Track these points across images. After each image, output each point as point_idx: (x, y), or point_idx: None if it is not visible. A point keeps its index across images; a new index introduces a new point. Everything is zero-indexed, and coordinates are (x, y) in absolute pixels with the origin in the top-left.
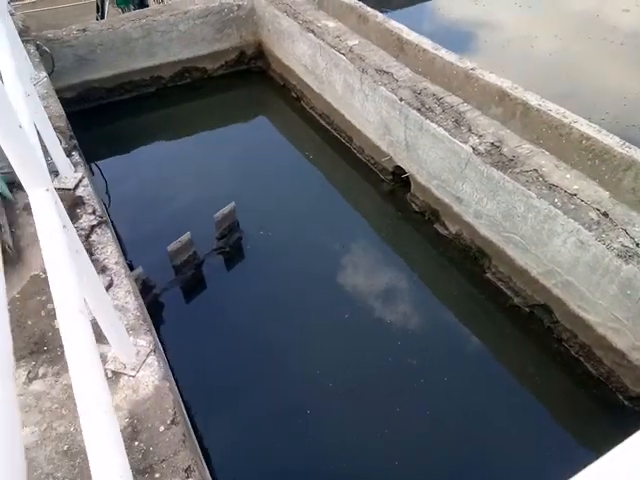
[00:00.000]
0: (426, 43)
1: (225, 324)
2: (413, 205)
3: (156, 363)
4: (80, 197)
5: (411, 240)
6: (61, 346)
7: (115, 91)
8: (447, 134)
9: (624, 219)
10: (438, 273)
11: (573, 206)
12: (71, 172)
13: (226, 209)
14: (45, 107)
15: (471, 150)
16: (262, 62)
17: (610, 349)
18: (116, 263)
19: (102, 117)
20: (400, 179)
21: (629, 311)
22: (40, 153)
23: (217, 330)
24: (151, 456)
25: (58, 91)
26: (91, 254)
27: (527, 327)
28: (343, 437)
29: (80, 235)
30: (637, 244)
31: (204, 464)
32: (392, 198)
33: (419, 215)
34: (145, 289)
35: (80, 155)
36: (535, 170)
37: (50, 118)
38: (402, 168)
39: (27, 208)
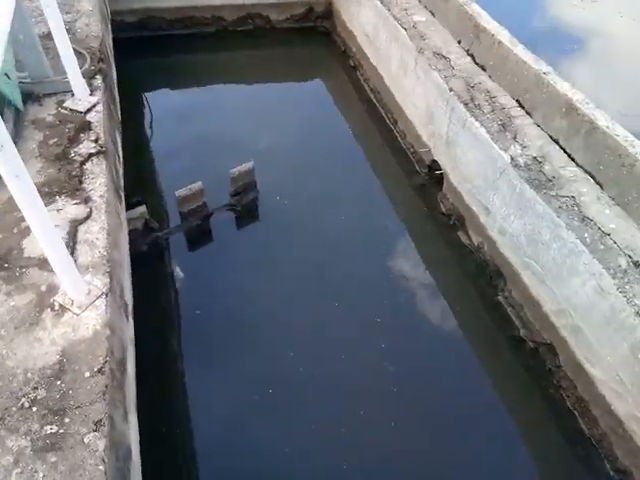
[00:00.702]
0: (504, 35)
1: (223, 279)
2: (442, 205)
3: (104, 307)
4: (88, 122)
5: (432, 241)
6: (22, 266)
7: (175, 24)
8: (488, 137)
9: None
10: (450, 283)
11: (603, 247)
12: (86, 95)
13: (243, 167)
14: (84, 25)
15: (509, 160)
16: (329, 23)
17: (608, 412)
18: (101, 196)
19: (158, 48)
20: (434, 175)
21: (636, 376)
22: None
23: (212, 283)
24: (68, 399)
25: (117, 13)
26: (80, 182)
27: (528, 363)
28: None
29: (75, 161)
30: None
31: (129, 420)
32: (423, 193)
33: (445, 217)
34: (146, 229)
35: (105, 80)
36: (572, 197)
37: (84, 38)
38: (438, 163)
39: (36, 122)
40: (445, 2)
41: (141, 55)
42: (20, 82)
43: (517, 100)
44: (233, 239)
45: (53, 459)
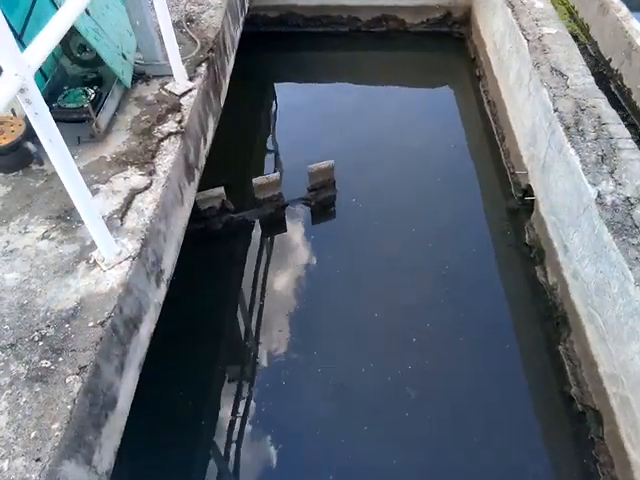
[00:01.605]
0: None
1: (288, 271)
2: (527, 234)
3: (127, 269)
4: (180, 104)
5: (509, 272)
6: (79, 221)
7: (312, 22)
8: (580, 166)
9: None
10: (516, 320)
11: None
12: (184, 79)
13: (323, 164)
14: (209, 17)
15: (595, 196)
16: (465, 29)
17: None
18: (164, 172)
19: (294, 44)
20: (527, 201)
21: None
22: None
23: (276, 268)
24: (67, 342)
25: (262, 8)
26: (152, 156)
27: (571, 426)
28: None
29: (155, 137)
30: None
31: (123, 375)
32: (514, 218)
33: (527, 248)
34: (222, 209)
35: (210, 68)
36: None
37: (205, 28)
38: (532, 189)
39: (139, 99)
40: (603, 14)
41: (279, 48)
42: (136, 63)
43: None
44: (305, 232)
45: (37, 389)
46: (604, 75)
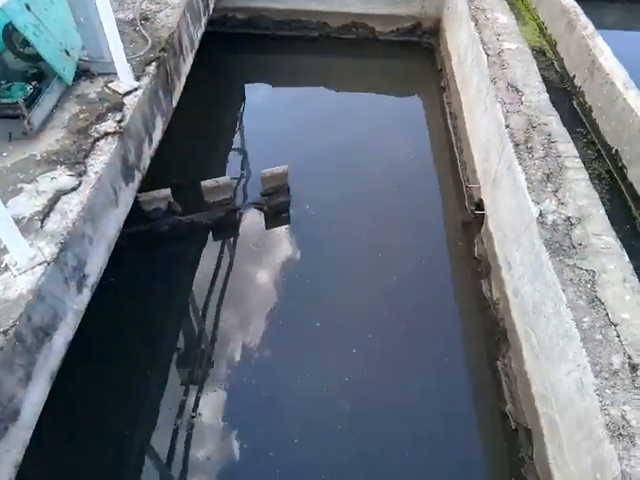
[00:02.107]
0: (618, 76)
1: (231, 269)
2: (476, 248)
3: (40, 275)
4: (122, 104)
5: (457, 285)
6: None
7: (281, 25)
8: (525, 184)
9: None
10: (460, 333)
11: (600, 337)
12: (129, 79)
13: (276, 169)
14: (165, 16)
15: (536, 214)
16: (435, 40)
17: None
18: (95, 173)
19: (263, 46)
20: (479, 214)
21: None
22: None
23: (222, 270)
24: None
25: (230, 9)
26: (85, 156)
27: (504, 443)
28: None
29: (91, 136)
30: None
31: (28, 385)
32: (466, 231)
33: (475, 262)
34: (169, 211)
35: (160, 68)
36: (592, 272)
37: (160, 28)
38: (484, 203)
39: (80, 96)
40: (570, 31)
41: (247, 50)
42: (80, 59)
43: (615, 150)
44: (256, 237)
45: None
46: (568, 91)
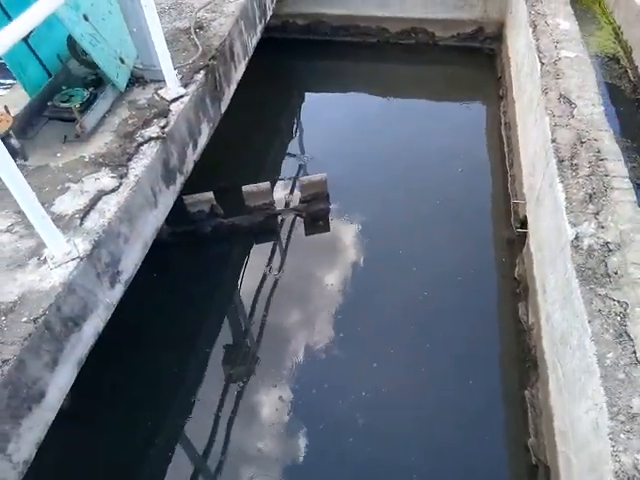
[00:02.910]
0: None
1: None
2: (517, 268)
3: (72, 270)
4: (168, 110)
5: (495, 306)
6: None
7: (340, 31)
8: (564, 204)
9: None
10: (493, 356)
11: (624, 376)
12: (176, 86)
13: (315, 177)
14: (219, 24)
15: (572, 237)
16: (497, 46)
17: None
18: (135, 175)
19: (322, 52)
20: (521, 233)
21: None
22: None
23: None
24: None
25: (290, 15)
26: (128, 159)
27: (525, 476)
28: None
29: (136, 141)
30: None
31: (55, 371)
32: (509, 249)
33: (516, 283)
34: (212, 213)
35: (208, 75)
36: (624, 304)
37: (212, 36)
38: (527, 221)
39: (131, 102)
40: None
41: (306, 56)
42: (135, 67)
43: None
44: (294, 242)
45: None
46: None
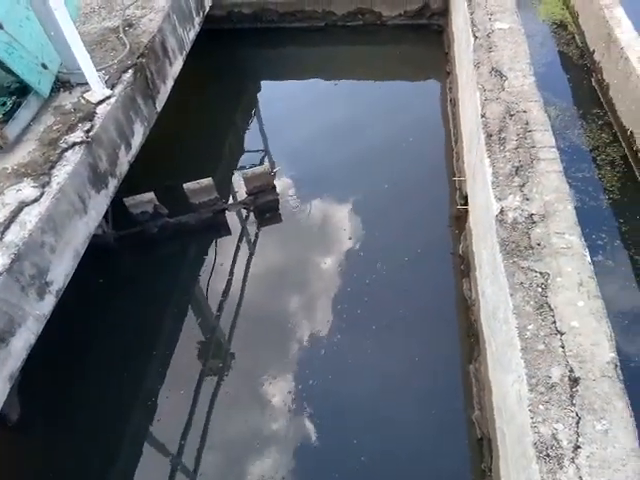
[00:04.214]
0: (634, 50)
1: (220, 273)
2: (461, 244)
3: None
4: (94, 113)
5: (442, 284)
6: None
7: (286, 17)
8: (491, 179)
9: (591, 403)
10: (440, 335)
11: (543, 346)
12: (100, 88)
13: (258, 169)
14: (148, 20)
15: (497, 211)
16: (444, 21)
17: None
18: (58, 183)
19: (270, 39)
20: (463, 209)
21: None
22: None
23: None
24: None
25: (236, 5)
26: (51, 167)
27: (469, 451)
28: None
29: (60, 147)
30: (576, 446)
31: None
32: (455, 227)
33: (460, 259)
34: (155, 213)
35: (137, 74)
36: (546, 275)
37: (141, 33)
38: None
39: (57, 108)
40: (590, 1)
41: (254, 44)
42: (59, 72)
43: (630, 132)
44: (243, 236)
45: None
46: (587, 68)
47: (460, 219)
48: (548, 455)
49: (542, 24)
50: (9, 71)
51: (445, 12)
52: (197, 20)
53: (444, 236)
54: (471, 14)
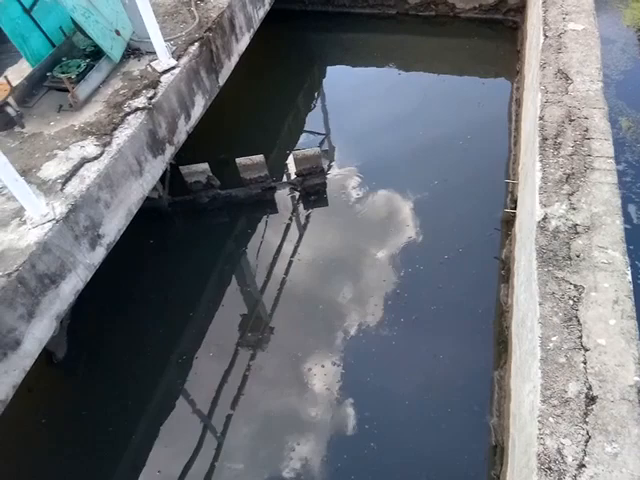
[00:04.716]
0: None
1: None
2: (504, 249)
3: (47, 231)
4: (158, 81)
5: (483, 286)
6: (30, 182)
7: (358, 2)
8: (539, 184)
9: (604, 424)
10: (474, 341)
11: (564, 360)
12: (166, 58)
13: (308, 151)
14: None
15: (540, 217)
16: (521, 17)
17: None
18: (118, 144)
19: (340, 23)
20: (511, 212)
21: None
22: None
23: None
24: None
25: None
26: (114, 129)
27: (484, 457)
28: None
29: (124, 111)
30: (580, 464)
31: (31, 322)
32: (505, 229)
33: (502, 264)
34: (207, 185)
35: (203, 48)
36: (580, 288)
37: (211, 8)
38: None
39: (126, 74)
40: None
41: (324, 28)
42: (131, 39)
43: None
44: (288, 215)
45: None
46: None
47: (509, 223)
48: (550, 468)
49: (626, 29)
50: (85, 34)
51: (522, 8)
52: (268, 0)
53: (491, 239)
54: (544, 12)
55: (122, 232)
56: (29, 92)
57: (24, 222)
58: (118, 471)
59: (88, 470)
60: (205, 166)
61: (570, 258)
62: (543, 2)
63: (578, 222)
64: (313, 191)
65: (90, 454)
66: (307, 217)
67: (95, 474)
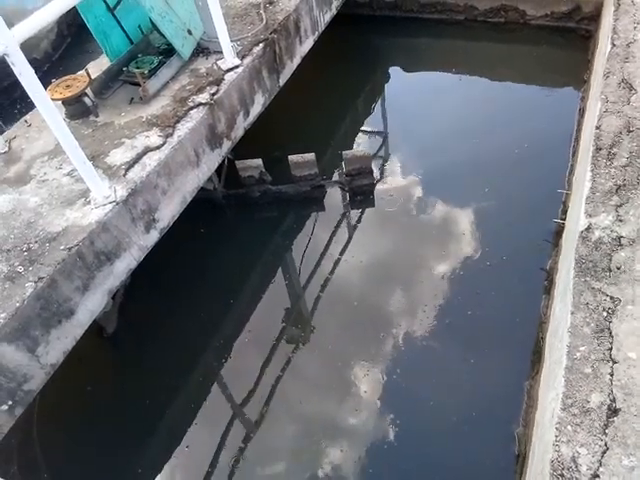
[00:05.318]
0: None
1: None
2: (550, 260)
3: (108, 211)
4: (222, 79)
5: (523, 296)
6: (97, 166)
7: (427, 7)
8: (586, 193)
9: (624, 437)
10: (503, 343)
11: (590, 371)
12: (231, 57)
13: (358, 152)
14: (288, 0)
15: (584, 227)
16: (595, 26)
17: None
18: (179, 136)
19: (407, 29)
20: (560, 223)
21: None
22: None
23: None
24: (42, 257)
25: None
26: (177, 121)
27: (505, 466)
28: None
29: (188, 105)
30: (595, 474)
31: (85, 294)
32: (555, 241)
33: (546, 275)
34: (259, 180)
35: (266, 48)
36: (616, 300)
37: (279, 11)
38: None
39: (193, 70)
40: None
41: (392, 33)
42: (202, 39)
43: None
44: (335, 215)
45: (6, 286)
46: None
47: (559, 235)
48: (562, 475)
49: None
50: (160, 33)
51: (597, 17)
52: (335, 4)
53: (539, 250)
54: (615, 20)
55: (175, 218)
56: (106, 85)
57: (88, 202)
58: (149, 439)
59: (121, 435)
60: (258, 162)
61: (610, 270)
62: (614, 11)
63: (623, 234)
64: (360, 191)
65: (125, 422)
66: (353, 217)
67: (126, 441)
